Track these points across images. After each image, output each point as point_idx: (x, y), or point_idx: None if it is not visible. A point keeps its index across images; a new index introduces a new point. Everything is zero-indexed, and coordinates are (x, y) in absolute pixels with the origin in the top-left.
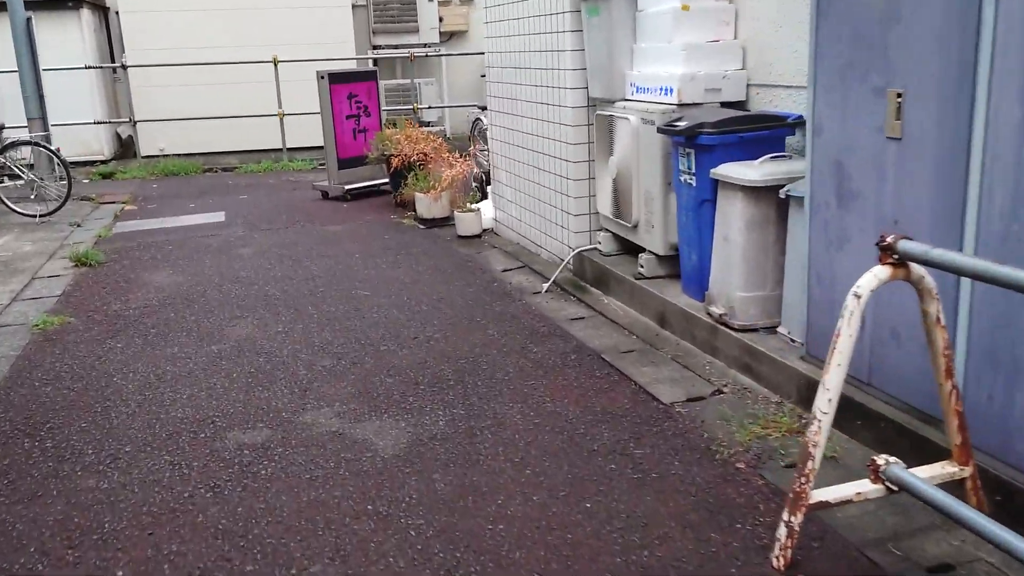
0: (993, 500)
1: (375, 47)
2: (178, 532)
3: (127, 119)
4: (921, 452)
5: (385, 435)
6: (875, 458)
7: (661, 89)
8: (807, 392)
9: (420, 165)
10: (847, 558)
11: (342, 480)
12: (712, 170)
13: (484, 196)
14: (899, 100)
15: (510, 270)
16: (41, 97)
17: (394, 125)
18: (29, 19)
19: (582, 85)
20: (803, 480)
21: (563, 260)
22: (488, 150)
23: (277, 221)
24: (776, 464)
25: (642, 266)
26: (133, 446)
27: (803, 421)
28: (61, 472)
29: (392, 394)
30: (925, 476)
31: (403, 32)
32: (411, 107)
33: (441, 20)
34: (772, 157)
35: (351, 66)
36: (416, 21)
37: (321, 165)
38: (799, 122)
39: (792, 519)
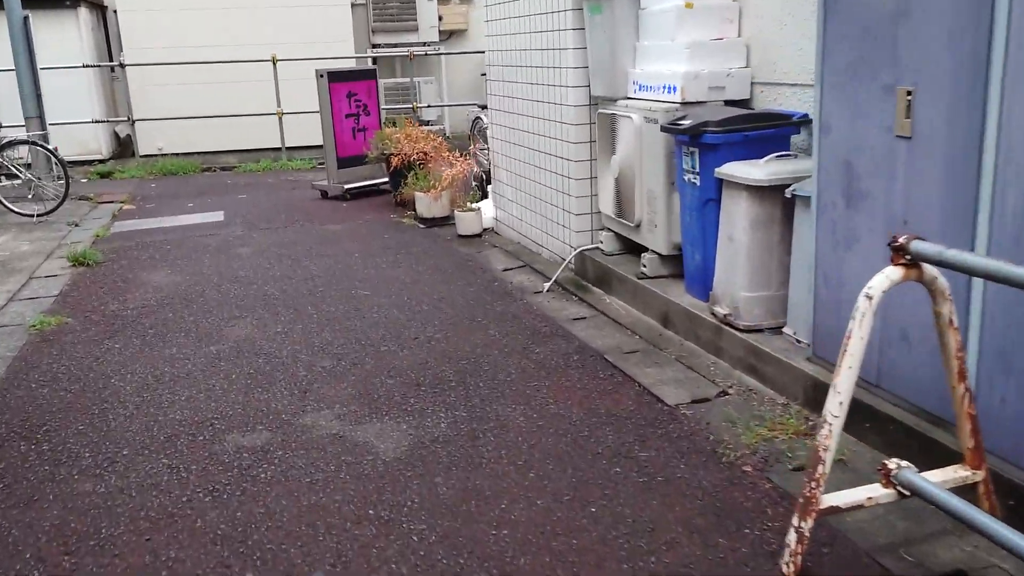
0: (1006, 504)
1: (374, 46)
2: (176, 538)
3: (125, 118)
4: (930, 455)
5: (386, 437)
6: (886, 462)
7: (664, 87)
8: (813, 393)
9: (420, 164)
10: (858, 564)
11: (343, 484)
12: (717, 169)
13: (484, 195)
14: (909, 98)
15: (511, 269)
16: (38, 96)
17: (394, 124)
18: (26, 17)
19: (584, 83)
20: (813, 485)
21: (564, 260)
22: (488, 149)
23: (276, 220)
24: (783, 467)
25: (645, 266)
26: (131, 449)
27: (810, 423)
28: (58, 476)
29: (393, 395)
30: (937, 480)
31: (402, 31)
32: (410, 106)
33: (440, 19)
34: (777, 156)
35: (350, 65)
36: (415, 20)
37: (320, 164)
38: (804, 121)
39: (802, 524)
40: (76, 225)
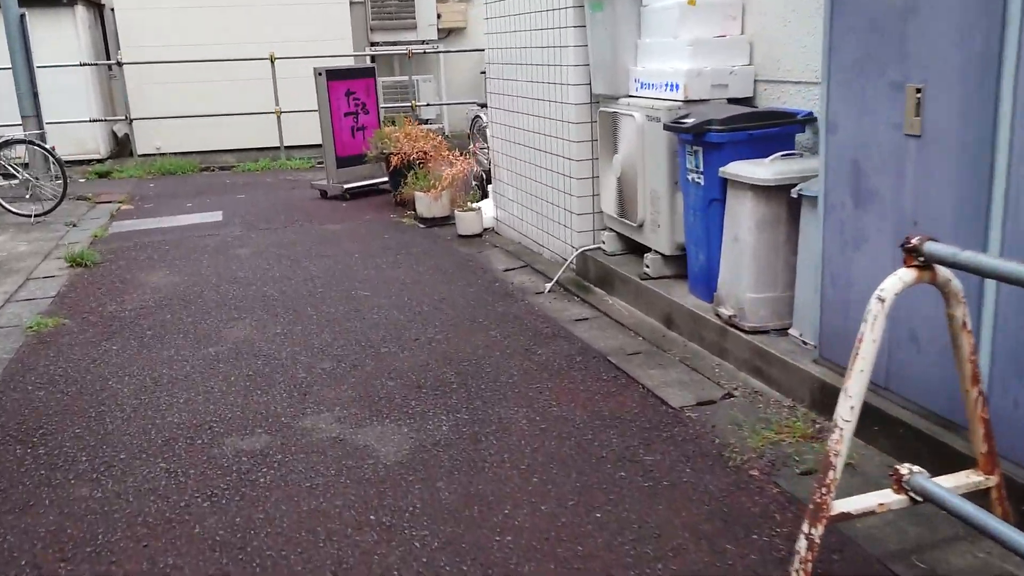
0: (1019, 510)
1: (373, 44)
2: (174, 544)
3: (123, 117)
4: (940, 459)
5: (387, 441)
6: (898, 467)
7: (666, 85)
8: (820, 396)
9: (420, 163)
10: (870, 571)
11: (343, 488)
12: (721, 169)
13: (484, 195)
14: (918, 95)
15: (512, 270)
16: (35, 95)
17: (393, 123)
18: (23, 16)
19: (585, 81)
20: (824, 491)
21: (566, 260)
22: (488, 148)
23: (275, 220)
24: (791, 471)
25: (647, 266)
26: (128, 453)
27: (817, 426)
28: (54, 480)
29: (394, 398)
30: (949, 486)
31: (401, 28)
32: (409, 104)
33: (439, 16)
34: (783, 155)
35: (349, 63)
36: (414, 18)
37: (319, 164)
38: (809, 119)
39: (813, 531)
40: (74, 225)
